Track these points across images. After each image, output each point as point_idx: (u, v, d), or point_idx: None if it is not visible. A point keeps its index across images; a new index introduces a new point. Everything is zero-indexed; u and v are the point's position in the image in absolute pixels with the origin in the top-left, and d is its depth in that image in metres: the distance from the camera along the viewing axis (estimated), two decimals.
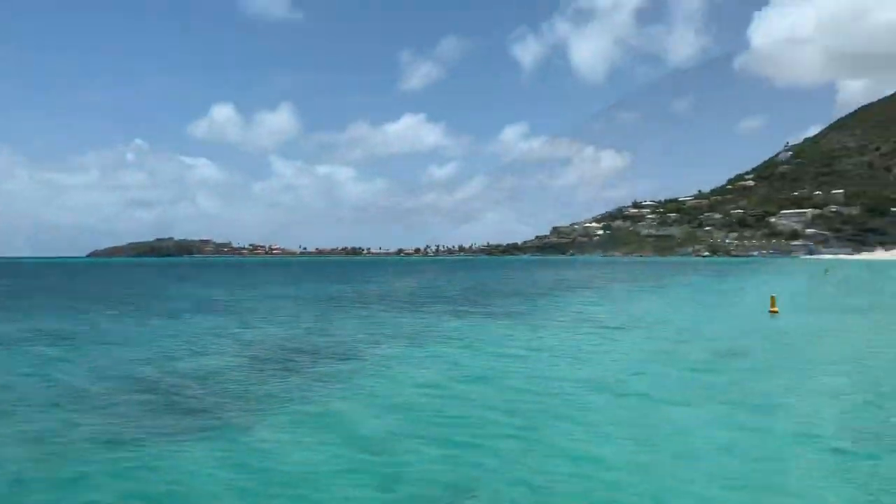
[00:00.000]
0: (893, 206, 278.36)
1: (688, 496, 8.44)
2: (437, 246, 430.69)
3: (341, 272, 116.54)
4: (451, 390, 14.76)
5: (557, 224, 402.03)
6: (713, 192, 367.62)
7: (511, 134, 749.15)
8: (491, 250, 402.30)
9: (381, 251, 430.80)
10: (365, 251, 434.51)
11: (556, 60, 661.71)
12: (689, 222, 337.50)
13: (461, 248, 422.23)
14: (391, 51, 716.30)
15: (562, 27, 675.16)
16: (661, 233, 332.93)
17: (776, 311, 33.24)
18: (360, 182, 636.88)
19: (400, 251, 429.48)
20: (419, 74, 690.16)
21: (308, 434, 11.26)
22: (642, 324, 29.20)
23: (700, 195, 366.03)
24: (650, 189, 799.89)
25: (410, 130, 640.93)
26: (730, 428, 11.54)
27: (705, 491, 8.60)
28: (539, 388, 14.79)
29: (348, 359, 19.21)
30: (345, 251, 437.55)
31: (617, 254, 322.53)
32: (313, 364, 18.26)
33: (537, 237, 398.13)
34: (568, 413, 12.58)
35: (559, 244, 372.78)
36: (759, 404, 13.35)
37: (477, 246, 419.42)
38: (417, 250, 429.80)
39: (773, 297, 34.80)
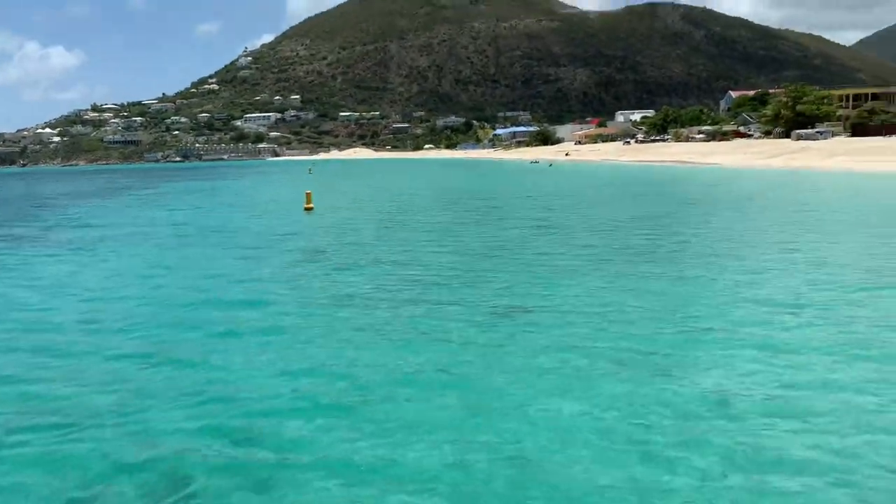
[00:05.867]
0: (341, 111, 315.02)
1: None
2: None
3: None
4: None
5: (2, 131, 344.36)
6: (178, 94, 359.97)
7: None
8: None
9: None
10: None
11: None
12: (155, 126, 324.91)
13: None
14: None
15: None
16: (127, 138, 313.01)
17: (311, 208, 33.86)
18: None
19: None
20: None
21: None
22: (194, 232, 26.51)
23: (165, 98, 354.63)
24: (109, 92, 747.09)
25: None
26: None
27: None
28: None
29: None
30: None
31: (81, 162, 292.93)
32: None
33: None
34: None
35: (7, 153, 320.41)
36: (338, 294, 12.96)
37: None
38: None
39: (308, 194, 35.27)
